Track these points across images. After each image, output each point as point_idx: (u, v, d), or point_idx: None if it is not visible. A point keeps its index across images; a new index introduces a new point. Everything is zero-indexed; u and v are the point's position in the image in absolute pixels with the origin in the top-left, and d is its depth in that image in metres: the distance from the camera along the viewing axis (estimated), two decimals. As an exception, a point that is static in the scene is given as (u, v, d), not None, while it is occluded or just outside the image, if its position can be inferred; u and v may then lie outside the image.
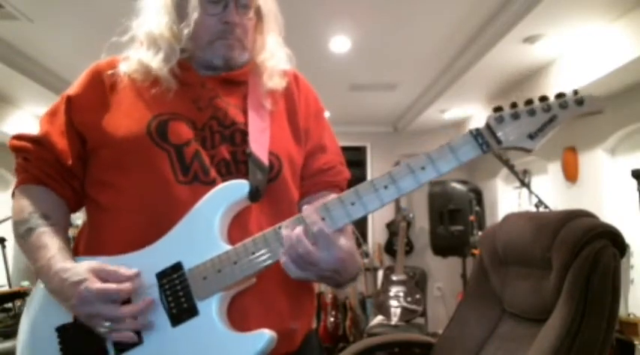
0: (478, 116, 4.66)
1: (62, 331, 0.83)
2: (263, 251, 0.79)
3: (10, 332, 2.71)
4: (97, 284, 0.78)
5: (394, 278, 4.19)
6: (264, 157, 0.89)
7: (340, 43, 3.14)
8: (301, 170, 0.99)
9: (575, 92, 0.79)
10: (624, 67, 2.63)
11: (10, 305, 3.27)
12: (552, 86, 3.19)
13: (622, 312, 2.82)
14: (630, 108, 3.02)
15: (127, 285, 0.79)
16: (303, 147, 0.99)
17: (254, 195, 0.84)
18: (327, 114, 5.07)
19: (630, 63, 2.57)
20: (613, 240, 1.23)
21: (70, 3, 2.55)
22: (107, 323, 0.78)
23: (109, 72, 0.94)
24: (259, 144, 0.90)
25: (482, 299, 1.64)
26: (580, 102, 0.78)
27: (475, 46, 3.09)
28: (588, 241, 1.23)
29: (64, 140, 0.91)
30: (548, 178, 4.00)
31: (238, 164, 0.89)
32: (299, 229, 0.77)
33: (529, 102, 0.79)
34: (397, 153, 5.06)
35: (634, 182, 2.21)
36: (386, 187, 0.78)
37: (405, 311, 3.89)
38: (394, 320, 3.80)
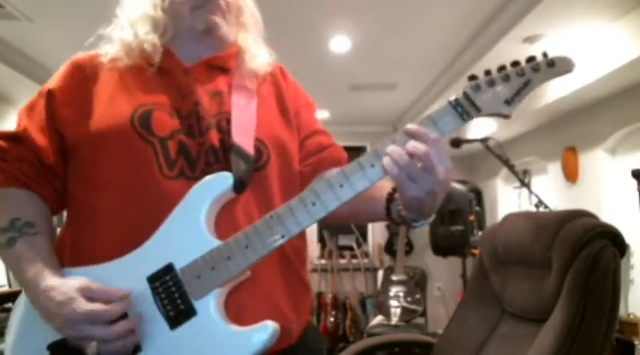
0: (478, 116, 4.66)
1: (54, 348, 0.78)
2: (256, 243, 0.77)
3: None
4: (85, 306, 0.74)
5: (394, 278, 4.19)
6: (249, 146, 0.87)
7: (340, 43, 3.14)
8: (301, 152, 0.98)
9: (545, 54, 0.79)
10: (624, 67, 2.63)
11: (10, 305, 3.27)
12: (552, 86, 3.19)
13: (622, 312, 2.83)
14: (630, 108, 3.02)
15: (116, 306, 0.76)
16: (293, 129, 0.98)
17: (238, 186, 0.83)
18: (326, 114, 5.02)
19: (630, 63, 2.58)
20: (613, 240, 1.23)
21: (70, 3, 2.55)
22: (96, 344, 0.75)
23: (89, 55, 0.92)
24: (244, 133, 0.88)
25: (482, 299, 1.64)
26: (551, 64, 0.78)
27: (475, 45, 3.09)
28: (588, 241, 1.23)
29: (45, 137, 0.87)
30: (548, 178, 4.00)
31: (226, 152, 0.86)
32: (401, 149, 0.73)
33: (502, 68, 0.79)
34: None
35: (634, 182, 2.21)
36: (372, 165, 0.76)
37: (405, 311, 3.89)
38: (394, 320, 3.80)
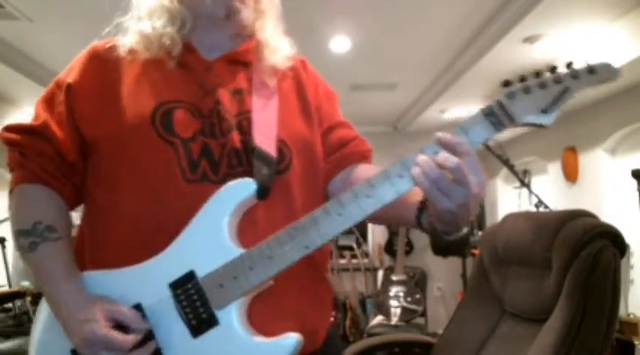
0: (478, 116, 4.67)
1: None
2: (279, 254, 0.75)
3: (11, 332, 2.70)
4: (105, 330, 0.74)
5: (394, 278, 4.20)
6: (271, 147, 0.84)
7: (340, 43, 3.14)
8: (323, 147, 0.95)
9: (586, 61, 0.73)
10: (624, 67, 2.63)
11: (10, 305, 3.26)
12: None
13: (622, 312, 2.83)
14: (630, 108, 3.03)
15: (132, 337, 0.75)
16: (315, 125, 0.95)
17: (261, 192, 0.80)
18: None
19: (630, 63, 2.58)
20: (613, 240, 1.23)
21: (70, 3, 2.55)
22: None
23: (108, 46, 0.89)
24: (265, 134, 0.85)
25: (482, 299, 1.64)
26: (591, 70, 0.72)
27: (475, 45, 3.09)
28: (588, 241, 1.23)
29: (65, 132, 0.85)
30: (548, 178, 4.00)
31: (249, 154, 0.83)
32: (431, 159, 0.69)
33: (538, 74, 0.73)
34: (397, 153, 5.04)
35: (634, 182, 2.21)
36: (401, 176, 0.72)
37: (405, 311, 3.89)
38: (394, 320, 3.81)
